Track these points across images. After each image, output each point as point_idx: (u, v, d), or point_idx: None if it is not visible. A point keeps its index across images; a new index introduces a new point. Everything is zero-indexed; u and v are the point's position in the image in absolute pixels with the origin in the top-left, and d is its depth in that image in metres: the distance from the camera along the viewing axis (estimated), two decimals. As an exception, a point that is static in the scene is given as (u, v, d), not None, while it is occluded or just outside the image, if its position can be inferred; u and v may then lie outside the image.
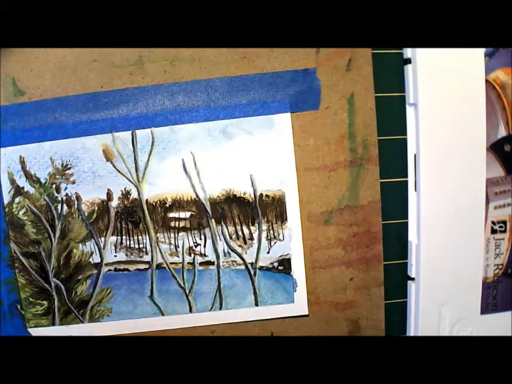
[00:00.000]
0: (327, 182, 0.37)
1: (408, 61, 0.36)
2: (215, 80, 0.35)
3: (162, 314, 0.37)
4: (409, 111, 0.36)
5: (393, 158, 0.37)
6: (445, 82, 0.35)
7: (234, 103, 0.36)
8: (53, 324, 0.37)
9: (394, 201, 0.38)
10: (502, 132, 0.37)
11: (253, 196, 0.36)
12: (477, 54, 0.35)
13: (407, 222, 0.38)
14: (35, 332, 0.36)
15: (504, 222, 0.38)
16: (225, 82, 0.35)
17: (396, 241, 0.38)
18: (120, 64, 0.35)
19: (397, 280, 0.38)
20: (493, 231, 0.37)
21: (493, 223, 0.37)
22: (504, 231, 0.38)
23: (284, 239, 0.37)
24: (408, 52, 0.35)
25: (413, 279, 0.37)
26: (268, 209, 0.36)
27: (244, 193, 0.36)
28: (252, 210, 0.36)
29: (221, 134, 0.36)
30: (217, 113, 0.35)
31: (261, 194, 0.36)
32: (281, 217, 0.37)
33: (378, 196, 0.37)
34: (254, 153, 0.36)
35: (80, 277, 0.36)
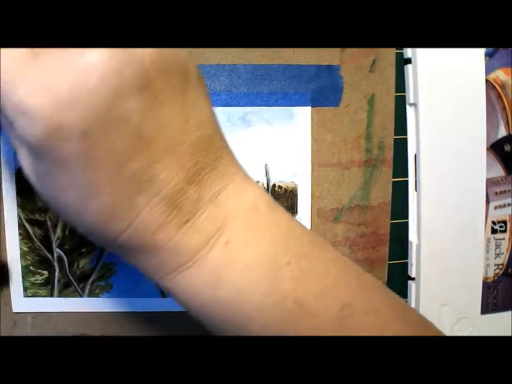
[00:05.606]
0: (340, 179, 0.36)
1: (408, 61, 0.36)
2: (239, 67, 0.35)
3: (164, 296, 0.36)
4: (409, 111, 0.36)
5: (393, 158, 0.37)
6: (445, 82, 0.35)
7: (256, 91, 0.35)
8: (51, 295, 0.35)
9: (394, 201, 0.38)
10: (502, 132, 0.37)
11: (265, 185, 0.36)
12: (477, 54, 0.35)
13: (407, 222, 0.38)
14: (32, 302, 0.35)
15: (505, 222, 0.38)
16: (249, 69, 0.35)
17: (396, 241, 0.38)
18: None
19: (397, 280, 0.38)
20: (493, 231, 0.37)
21: (493, 223, 0.37)
22: (505, 231, 0.38)
23: (293, 232, 0.36)
24: (408, 52, 0.35)
25: (413, 279, 0.37)
26: (279, 200, 0.36)
27: (257, 182, 0.36)
28: (264, 200, 0.36)
29: (239, 120, 0.35)
30: (238, 100, 0.35)
31: (274, 185, 0.36)
32: (292, 209, 0.36)
33: (389, 198, 0.37)
34: (271, 143, 0.35)
35: (84, 250, 0.35)
